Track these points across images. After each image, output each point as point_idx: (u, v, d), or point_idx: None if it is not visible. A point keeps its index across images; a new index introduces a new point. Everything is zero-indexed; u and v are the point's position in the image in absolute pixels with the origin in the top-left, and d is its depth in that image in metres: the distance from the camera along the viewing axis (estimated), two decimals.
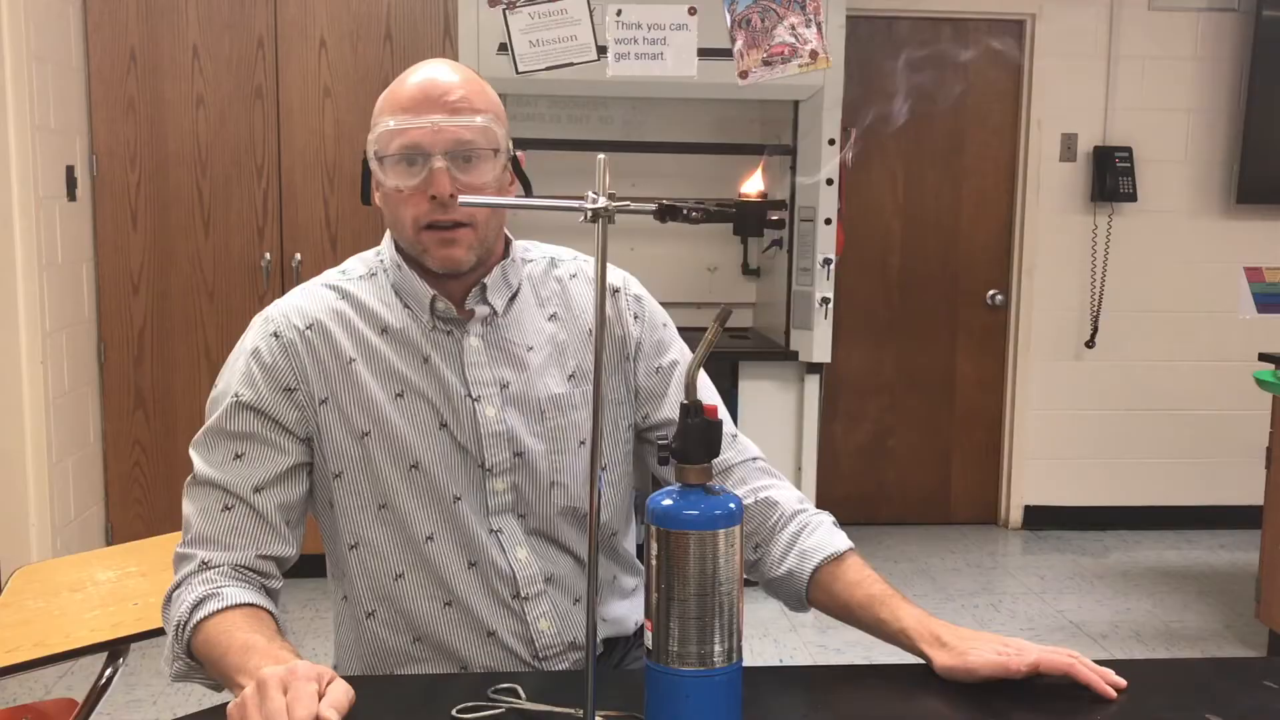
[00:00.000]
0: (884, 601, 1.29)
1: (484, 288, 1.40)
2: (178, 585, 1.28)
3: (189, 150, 4.02)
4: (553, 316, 1.45)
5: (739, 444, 1.48)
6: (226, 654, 1.13)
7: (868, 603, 1.30)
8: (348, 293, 1.40)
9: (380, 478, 1.36)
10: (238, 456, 1.32)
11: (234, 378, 1.35)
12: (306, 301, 1.39)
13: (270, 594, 1.31)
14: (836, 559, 1.36)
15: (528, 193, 1.46)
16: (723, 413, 1.50)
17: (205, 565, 1.27)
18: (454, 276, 1.39)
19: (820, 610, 1.38)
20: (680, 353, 1.49)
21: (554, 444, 1.41)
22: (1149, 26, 4.74)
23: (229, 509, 1.31)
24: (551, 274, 1.48)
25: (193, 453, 1.35)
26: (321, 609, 3.84)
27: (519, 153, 1.44)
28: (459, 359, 1.39)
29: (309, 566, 1.49)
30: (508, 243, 1.46)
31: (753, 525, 1.43)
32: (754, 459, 1.48)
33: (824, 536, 1.39)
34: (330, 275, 1.44)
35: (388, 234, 1.45)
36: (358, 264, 1.46)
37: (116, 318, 4.05)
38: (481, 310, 1.40)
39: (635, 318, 1.47)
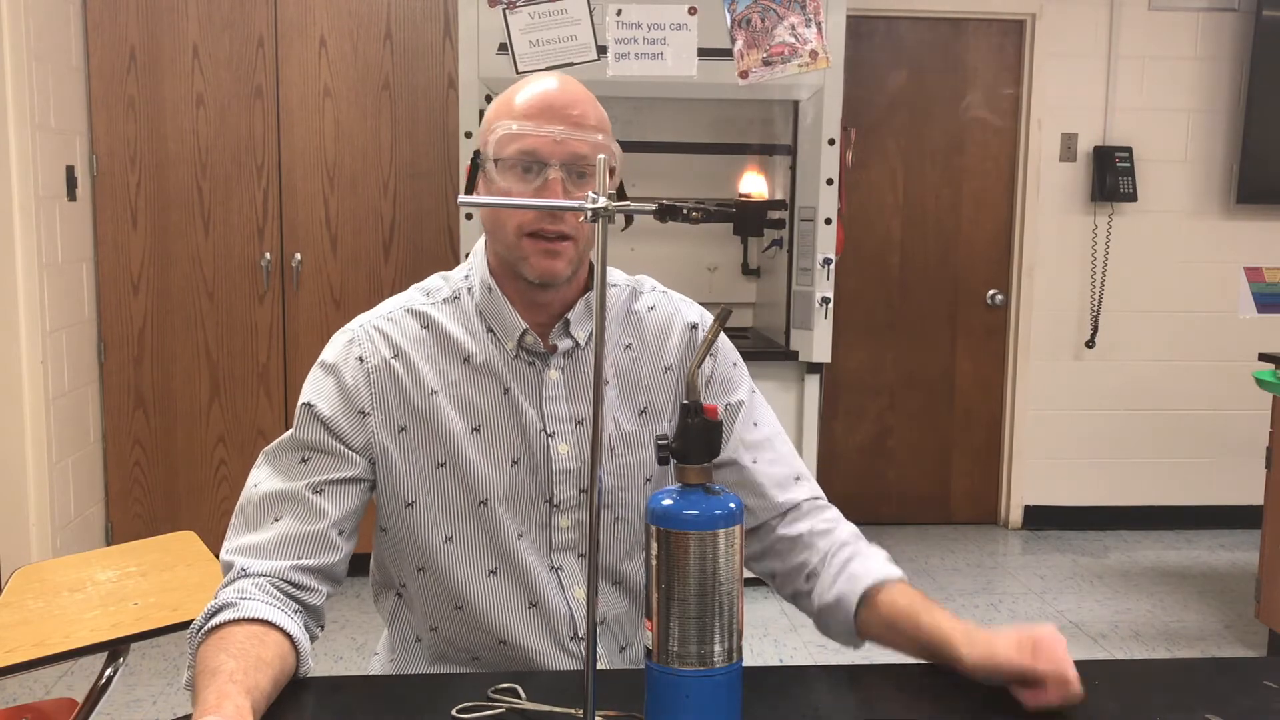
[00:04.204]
0: (927, 608, 1.27)
1: (567, 322, 1.40)
2: (220, 588, 1.28)
3: (189, 150, 4.02)
4: (628, 347, 1.44)
5: (802, 484, 1.46)
6: (202, 673, 1.12)
7: (910, 611, 1.27)
8: (432, 320, 1.39)
9: (450, 510, 1.37)
10: (303, 460, 1.33)
11: (313, 391, 1.36)
12: (392, 329, 1.38)
13: (306, 609, 1.29)
14: (886, 585, 1.33)
15: (628, 219, 1.46)
16: (789, 446, 1.48)
17: (243, 572, 1.27)
18: (544, 294, 1.37)
19: (871, 639, 1.33)
20: (747, 393, 1.47)
21: (620, 480, 1.41)
22: (1149, 26, 4.74)
23: (278, 519, 1.30)
24: (631, 305, 1.47)
25: (261, 460, 1.36)
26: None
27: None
28: (538, 392, 1.39)
29: None
30: (591, 269, 1.44)
31: (806, 554, 1.40)
32: (816, 498, 1.47)
33: (875, 564, 1.36)
34: (414, 298, 1.42)
35: (476, 251, 1.44)
36: (441, 284, 1.44)
37: (116, 318, 4.05)
38: (564, 344, 1.40)
39: (710, 356, 1.47)
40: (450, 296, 1.42)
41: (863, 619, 1.33)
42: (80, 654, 1.70)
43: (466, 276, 1.44)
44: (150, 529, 4.01)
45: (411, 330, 1.39)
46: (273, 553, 1.28)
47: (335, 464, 1.33)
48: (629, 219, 1.45)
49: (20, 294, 3.49)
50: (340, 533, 1.32)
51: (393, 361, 1.36)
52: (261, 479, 1.34)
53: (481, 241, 1.44)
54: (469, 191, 1.40)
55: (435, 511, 1.37)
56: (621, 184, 1.41)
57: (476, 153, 1.37)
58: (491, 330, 1.39)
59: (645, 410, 1.43)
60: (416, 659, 1.46)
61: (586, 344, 1.41)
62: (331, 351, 1.38)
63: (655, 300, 1.49)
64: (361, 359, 1.36)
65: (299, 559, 1.29)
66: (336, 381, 1.35)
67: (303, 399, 1.36)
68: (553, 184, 1.31)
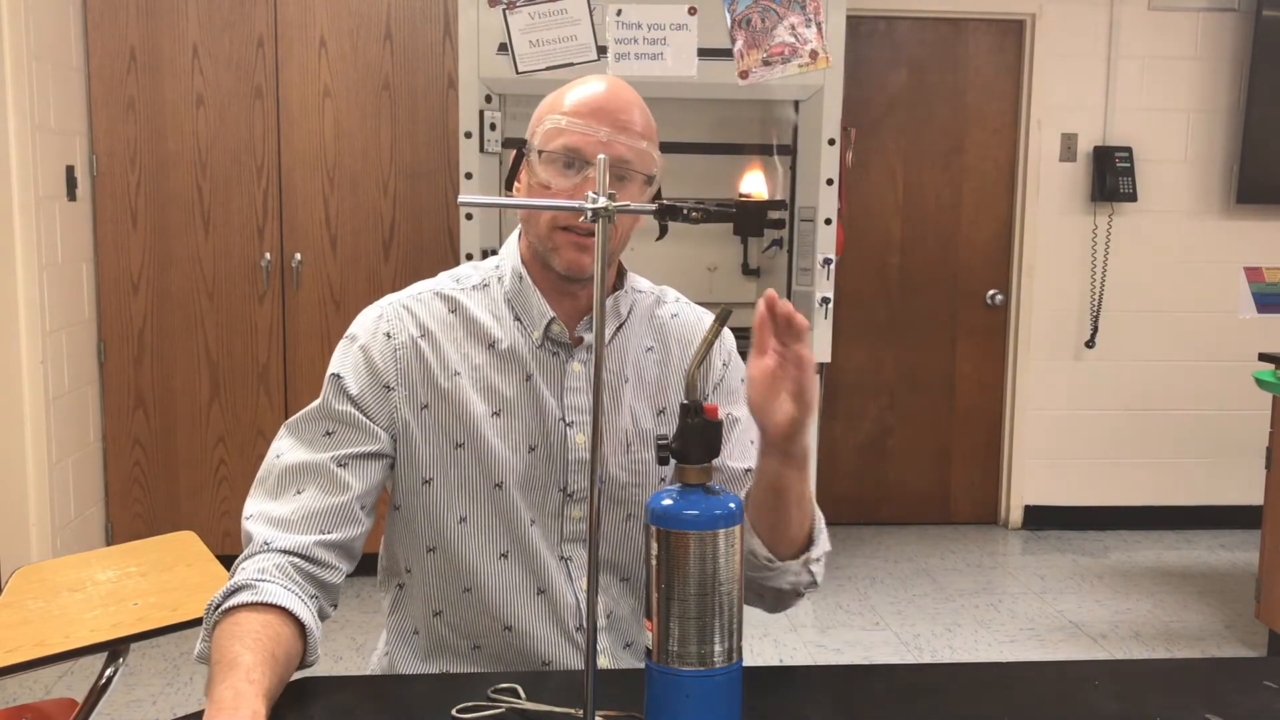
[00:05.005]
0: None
1: None
2: (241, 559, 1.29)
3: (189, 150, 4.02)
4: (650, 349, 1.47)
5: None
6: (218, 662, 1.13)
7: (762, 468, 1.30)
8: (460, 305, 1.42)
9: (466, 490, 1.39)
10: (328, 434, 1.35)
11: (339, 366, 1.39)
12: (420, 309, 1.41)
13: (324, 588, 1.30)
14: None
15: (663, 231, 1.47)
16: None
17: (266, 546, 1.28)
18: (572, 286, 1.40)
19: (758, 531, 1.33)
20: (745, 412, 1.47)
21: (634, 476, 1.43)
22: (1149, 26, 4.74)
23: (301, 492, 1.32)
24: (656, 310, 1.51)
25: (284, 431, 1.38)
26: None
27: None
28: (560, 382, 1.41)
29: None
30: (621, 272, 1.49)
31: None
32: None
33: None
34: (444, 283, 1.45)
35: (509, 243, 1.47)
36: (472, 272, 1.47)
37: (116, 318, 4.05)
38: (589, 337, 1.42)
39: (724, 364, 1.51)
40: (480, 284, 1.45)
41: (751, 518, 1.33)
42: (80, 654, 1.69)
43: (498, 266, 1.47)
44: (150, 529, 4.01)
45: (439, 312, 1.42)
46: (297, 526, 1.30)
47: (360, 438, 1.35)
48: (663, 231, 1.47)
49: (20, 294, 3.49)
50: (362, 507, 1.34)
51: (419, 340, 1.39)
52: (285, 450, 1.36)
53: (516, 233, 1.47)
54: (511, 179, 1.43)
55: (452, 491, 1.39)
56: (659, 192, 1.43)
57: (523, 141, 1.40)
58: (519, 319, 1.42)
59: (664, 411, 1.45)
60: (412, 652, 1.46)
61: (612, 339, 1.44)
62: (360, 326, 1.42)
63: (679, 309, 1.53)
64: (389, 335, 1.39)
65: (322, 533, 1.30)
66: (364, 356, 1.38)
67: (331, 369, 1.39)
68: (591, 183, 1.33)
